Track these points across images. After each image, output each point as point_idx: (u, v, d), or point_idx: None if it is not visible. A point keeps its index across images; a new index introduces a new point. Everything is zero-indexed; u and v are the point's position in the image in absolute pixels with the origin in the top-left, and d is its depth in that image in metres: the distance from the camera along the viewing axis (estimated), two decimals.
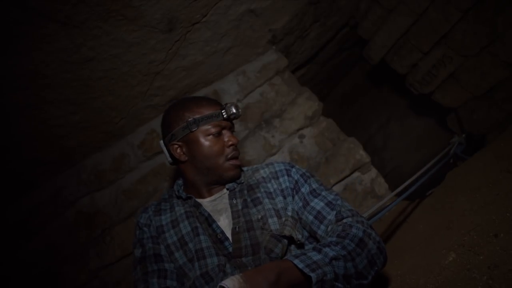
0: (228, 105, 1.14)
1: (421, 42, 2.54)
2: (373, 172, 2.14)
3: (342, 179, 2.12)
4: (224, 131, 1.17)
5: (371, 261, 0.94)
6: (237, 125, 2.20)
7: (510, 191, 1.28)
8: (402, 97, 4.25)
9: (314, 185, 1.17)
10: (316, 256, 0.86)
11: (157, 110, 2.09)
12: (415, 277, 1.27)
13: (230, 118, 1.15)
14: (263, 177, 1.23)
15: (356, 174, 2.14)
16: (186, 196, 1.17)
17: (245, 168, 1.31)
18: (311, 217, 1.11)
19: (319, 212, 1.10)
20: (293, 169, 1.22)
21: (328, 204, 1.11)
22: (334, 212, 1.08)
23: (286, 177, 1.20)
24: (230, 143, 1.15)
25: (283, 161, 1.28)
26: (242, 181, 1.21)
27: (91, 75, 1.61)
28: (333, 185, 2.10)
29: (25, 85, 1.47)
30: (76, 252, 2.01)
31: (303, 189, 1.16)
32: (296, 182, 1.19)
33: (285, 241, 1.07)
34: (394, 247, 1.75)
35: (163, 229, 1.14)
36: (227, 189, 1.19)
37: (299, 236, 1.09)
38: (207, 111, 1.13)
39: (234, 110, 1.13)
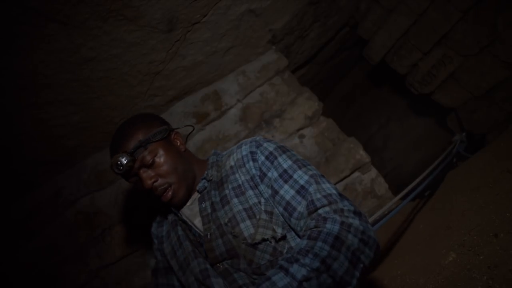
0: (113, 160, 0.97)
1: (421, 42, 2.54)
2: (373, 172, 2.14)
3: (342, 179, 2.12)
4: (139, 173, 1.00)
5: (352, 260, 0.80)
6: (237, 125, 2.20)
7: (510, 191, 1.28)
8: (402, 97, 4.26)
9: (286, 164, 0.98)
10: (282, 281, 0.76)
11: (157, 110, 2.09)
12: (415, 277, 1.27)
13: (122, 172, 0.97)
14: (231, 167, 1.06)
15: (356, 174, 2.14)
16: (167, 208, 1.15)
17: (224, 152, 1.17)
18: (281, 209, 0.97)
19: (288, 203, 0.94)
20: (258, 150, 1.03)
21: (300, 191, 0.94)
22: (305, 203, 0.92)
23: (251, 162, 1.02)
24: (145, 187, 0.99)
25: (253, 138, 1.09)
26: (211, 178, 1.09)
27: (91, 75, 1.61)
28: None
29: (26, 85, 1.47)
30: (76, 252, 2.01)
31: (269, 174, 0.99)
32: (260, 167, 1.01)
33: (262, 245, 0.96)
34: (394, 247, 1.75)
35: (163, 239, 1.17)
36: (198, 191, 1.09)
37: (278, 232, 0.96)
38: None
39: (117, 169, 0.96)
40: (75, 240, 2.03)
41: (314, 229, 0.84)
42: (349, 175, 2.13)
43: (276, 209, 0.99)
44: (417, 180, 1.81)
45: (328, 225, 0.84)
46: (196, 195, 1.11)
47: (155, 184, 1.00)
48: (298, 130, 2.22)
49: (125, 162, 0.96)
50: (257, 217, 0.97)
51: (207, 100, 2.21)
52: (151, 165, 1.01)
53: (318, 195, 0.91)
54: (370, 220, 1.38)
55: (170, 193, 1.01)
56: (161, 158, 1.01)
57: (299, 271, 0.76)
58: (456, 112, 2.78)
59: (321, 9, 2.42)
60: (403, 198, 1.74)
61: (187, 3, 1.58)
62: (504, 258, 1.01)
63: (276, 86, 2.28)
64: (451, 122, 2.95)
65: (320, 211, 0.89)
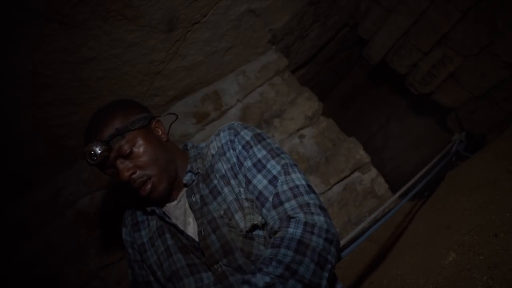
0: (86, 149, 0.88)
1: (421, 42, 2.54)
2: (373, 172, 2.14)
3: (342, 179, 2.12)
4: (115, 164, 0.93)
5: (319, 262, 0.78)
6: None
7: (510, 191, 1.28)
8: (402, 97, 4.26)
9: (260, 154, 0.95)
10: None
11: (157, 110, 2.09)
12: (415, 277, 1.27)
13: (96, 162, 0.89)
14: (213, 155, 1.01)
15: (356, 174, 2.14)
16: (150, 210, 1.04)
17: (202, 144, 1.12)
18: (254, 198, 0.94)
19: (260, 192, 0.92)
20: (236, 139, 0.99)
21: (272, 181, 0.91)
22: (274, 193, 0.90)
23: (231, 151, 0.98)
24: (122, 180, 0.92)
25: (230, 124, 1.04)
26: (199, 171, 1.03)
27: (91, 75, 1.61)
28: (333, 185, 2.10)
29: (25, 85, 1.47)
30: (76, 252, 2.01)
31: (245, 164, 0.95)
32: (238, 157, 0.97)
33: (256, 234, 0.93)
34: (394, 247, 1.75)
35: (145, 247, 1.06)
36: (185, 184, 1.02)
37: (260, 218, 0.93)
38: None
39: (90, 159, 0.87)
40: (75, 240, 2.02)
41: (277, 236, 0.82)
42: (349, 175, 2.13)
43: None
44: (415, 178, 1.81)
45: (291, 229, 0.81)
46: (184, 191, 1.03)
47: (133, 176, 0.92)
48: (298, 130, 2.22)
49: (100, 151, 0.87)
50: (242, 206, 0.94)
51: (207, 100, 2.21)
52: (129, 156, 0.93)
53: (285, 187, 0.89)
54: (370, 219, 1.38)
55: (149, 186, 0.94)
56: (140, 148, 0.94)
57: (261, 279, 0.73)
58: (456, 112, 2.78)
59: (321, 9, 2.42)
60: (401, 197, 1.74)
61: (187, 3, 1.58)
62: (504, 258, 1.01)
63: (276, 86, 2.28)
64: (451, 122, 2.95)
65: (285, 205, 0.87)
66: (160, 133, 1.03)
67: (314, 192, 0.91)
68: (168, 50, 1.75)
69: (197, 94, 2.21)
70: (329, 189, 2.11)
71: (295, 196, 0.88)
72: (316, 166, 2.14)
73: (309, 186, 0.92)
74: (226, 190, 0.96)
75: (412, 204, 2.07)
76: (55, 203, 2.04)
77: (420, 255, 1.40)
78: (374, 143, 4.67)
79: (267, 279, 0.72)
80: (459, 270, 1.10)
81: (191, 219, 1.00)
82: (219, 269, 0.94)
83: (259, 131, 1.03)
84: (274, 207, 0.88)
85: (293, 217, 0.84)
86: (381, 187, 2.12)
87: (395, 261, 1.53)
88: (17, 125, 1.62)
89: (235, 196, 0.95)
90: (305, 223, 0.81)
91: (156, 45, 1.67)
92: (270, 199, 0.90)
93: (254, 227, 0.91)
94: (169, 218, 1.01)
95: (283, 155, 0.97)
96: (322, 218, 0.84)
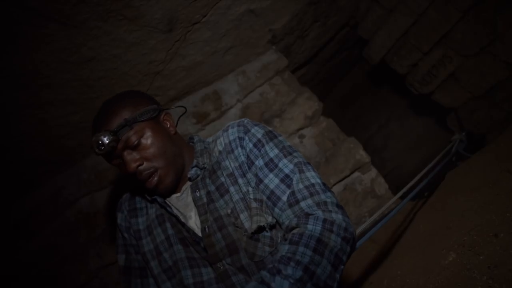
0: (93, 139, 0.88)
1: (421, 42, 2.54)
2: (373, 172, 2.14)
3: (342, 179, 2.12)
4: (122, 155, 0.92)
5: (335, 263, 0.77)
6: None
7: (510, 191, 1.28)
8: (402, 97, 4.26)
9: (272, 153, 0.93)
10: None
11: None
12: (415, 277, 1.27)
13: (103, 152, 0.89)
14: (220, 152, 0.99)
15: (356, 174, 2.14)
16: (152, 198, 1.02)
17: (209, 139, 1.10)
18: (265, 198, 0.92)
19: (272, 192, 0.90)
20: (246, 137, 0.97)
21: (284, 179, 0.89)
22: (289, 191, 0.88)
23: (240, 149, 0.96)
24: (128, 171, 0.91)
25: (240, 121, 1.02)
26: (205, 166, 1.01)
27: (91, 75, 1.61)
28: (333, 185, 2.10)
29: (25, 85, 1.47)
30: (76, 252, 2.01)
31: (256, 163, 0.93)
32: (248, 155, 0.95)
33: (261, 236, 0.91)
34: (394, 247, 1.75)
35: (140, 234, 1.04)
36: (189, 178, 1.00)
37: (269, 219, 0.91)
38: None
39: (98, 149, 0.88)
40: (75, 240, 2.02)
41: (296, 232, 0.80)
42: (349, 175, 2.13)
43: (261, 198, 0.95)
44: (416, 179, 1.81)
45: (310, 226, 0.79)
46: (187, 185, 1.02)
47: (139, 168, 0.91)
48: (298, 130, 2.22)
49: (107, 141, 0.87)
50: (250, 206, 0.92)
51: (207, 100, 2.21)
52: (137, 147, 0.92)
53: (300, 186, 0.87)
54: (370, 220, 1.38)
55: (156, 178, 0.93)
56: (147, 140, 0.93)
57: (281, 286, 0.70)
58: (456, 112, 2.78)
59: (321, 9, 2.42)
60: (402, 198, 1.74)
61: (187, 3, 1.58)
62: (504, 258, 1.01)
63: (276, 86, 2.28)
64: (451, 122, 2.96)
65: (302, 204, 0.85)
66: (168, 126, 1.02)
67: (330, 191, 0.89)
68: (168, 50, 1.75)
69: (197, 94, 2.21)
70: None
71: (311, 195, 0.86)
72: (316, 166, 2.14)
73: (324, 184, 0.90)
74: (232, 189, 0.94)
75: (412, 204, 2.07)
76: (55, 203, 2.04)
77: (420, 255, 1.40)
78: (374, 143, 4.67)
79: (286, 285, 0.70)
80: (459, 270, 1.10)
81: (193, 214, 0.99)
82: (222, 268, 0.93)
83: (270, 128, 1.02)
84: (290, 205, 0.86)
85: (312, 214, 0.82)
86: (381, 187, 2.12)
87: (395, 261, 1.53)
88: (18, 125, 1.62)
89: (242, 196, 0.93)
90: (324, 220, 0.80)
91: (156, 45, 1.67)
92: (284, 198, 0.88)
93: (260, 228, 0.90)
94: (170, 208, 1.00)
95: (295, 154, 0.95)
96: (340, 216, 0.82)
